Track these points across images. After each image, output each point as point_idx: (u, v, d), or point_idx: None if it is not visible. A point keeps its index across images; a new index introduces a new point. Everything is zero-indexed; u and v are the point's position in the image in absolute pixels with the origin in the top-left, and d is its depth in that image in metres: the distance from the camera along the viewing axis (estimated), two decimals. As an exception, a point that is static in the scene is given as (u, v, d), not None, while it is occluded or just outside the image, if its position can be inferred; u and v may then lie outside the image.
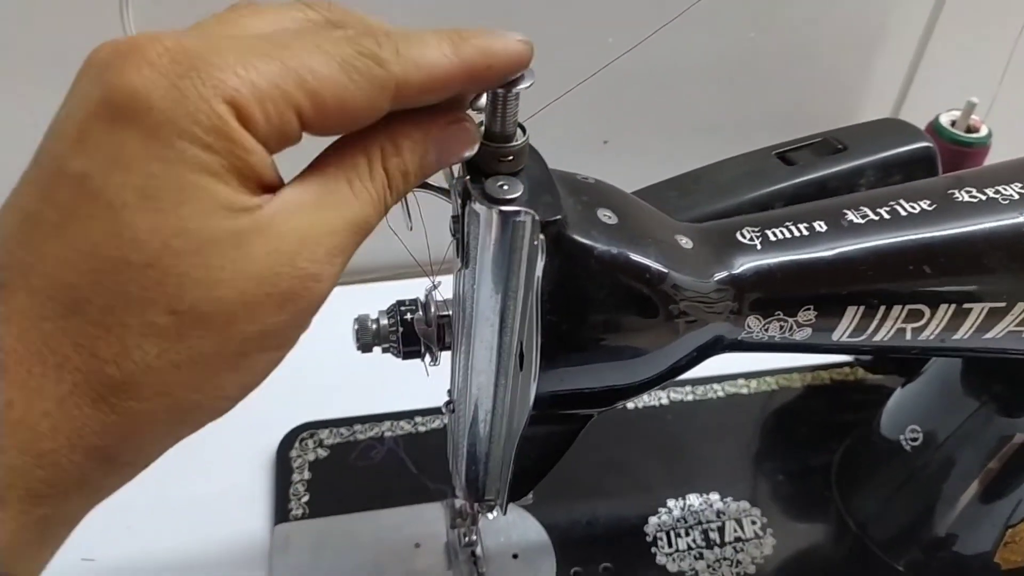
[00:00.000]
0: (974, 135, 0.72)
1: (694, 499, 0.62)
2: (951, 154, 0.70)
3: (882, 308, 0.39)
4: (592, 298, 0.34)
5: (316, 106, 0.24)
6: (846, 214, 0.39)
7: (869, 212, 0.40)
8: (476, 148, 0.30)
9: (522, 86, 0.30)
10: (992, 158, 0.72)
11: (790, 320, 0.38)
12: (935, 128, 0.72)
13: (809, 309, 0.38)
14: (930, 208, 0.40)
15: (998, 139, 0.72)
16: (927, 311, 0.39)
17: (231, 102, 0.22)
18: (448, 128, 0.28)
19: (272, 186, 0.24)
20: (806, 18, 0.79)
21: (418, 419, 0.67)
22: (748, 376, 0.72)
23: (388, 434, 0.65)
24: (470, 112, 0.31)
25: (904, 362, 0.64)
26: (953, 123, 0.73)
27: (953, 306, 0.40)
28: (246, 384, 0.25)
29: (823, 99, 0.85)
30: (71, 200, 0.21)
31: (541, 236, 0.31)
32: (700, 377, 0.71)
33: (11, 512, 0.21)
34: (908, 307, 0.39)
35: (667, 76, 0.79)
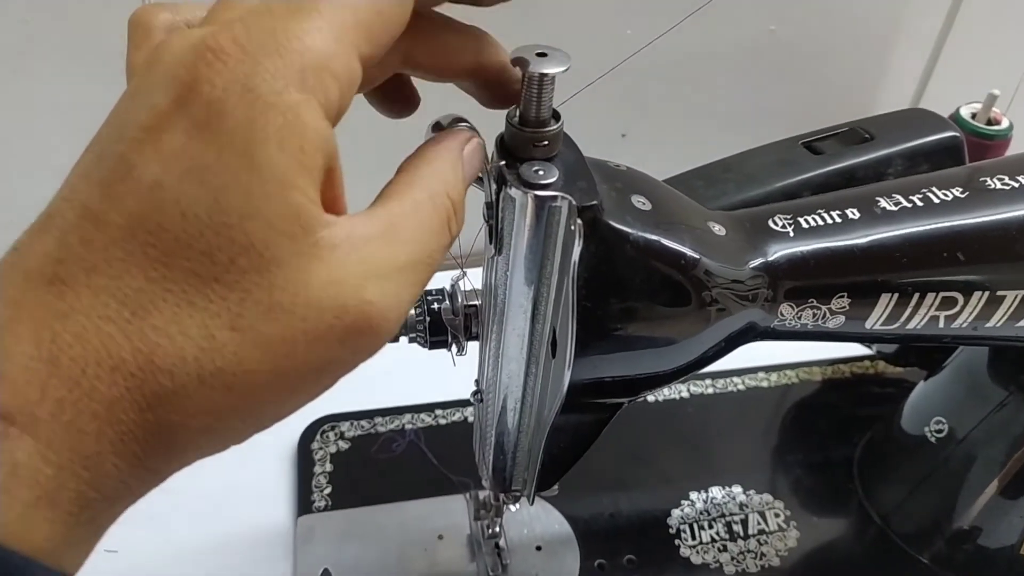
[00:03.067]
0: (995, 127, 0.72)
1: (717, 492, 0.62)
2: (972, 146, 0.70)
3: (916, 296, 0.38)
4: (627, 284, 0.34)
5: (371, 41, 0.23)
6: (879, 201, 0.39)
7: (902, 199, 0.39)
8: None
9: (558, 70, 0.30)
10: (1013, 150, 0.72)
11: (823, 307, 0.38)
12: (956, 120, 0.72)
13: (843, 296, 0.38)
14: (962, 195, 0.40)
15: (1020, 131, 0.71)
16: (960, 299, 0.39)
17: (303, 88, 0.22)
18: (469, 150, 0.29)
19: (337, 200, 0.24)
20: (826, 9, 0.79)
21: (439, 411, 0.66)
22: (768, 369, 0.72)
23: (409, 426, 0.65)
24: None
25: (927, 354, 0.64)
26: (974, 115, 0.73)
27: (987, 293, 0.39)
28: (286, 415, 0.24)
29: (843, 91, 0.85)
30: (141, 208, 0.21)
31: (578, 221, 0.31)
32: (720, 370, 0.71)
33: (61, 514, 0.21)
34: (941, 294, 0.39)
35: (685, 68, 0.79)
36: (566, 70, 0.30)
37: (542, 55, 0.30)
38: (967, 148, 0.52)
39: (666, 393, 0.69)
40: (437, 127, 0.31)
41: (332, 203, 0.23)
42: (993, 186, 0.40)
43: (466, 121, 0.31)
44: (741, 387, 0.70)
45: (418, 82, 0.32)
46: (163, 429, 0.22)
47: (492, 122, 0.32)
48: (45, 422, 0.20)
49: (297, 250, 0.22)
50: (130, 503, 0.23)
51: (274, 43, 0.22)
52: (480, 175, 0.34)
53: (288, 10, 0.22)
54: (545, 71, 0.29)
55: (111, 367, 0.21)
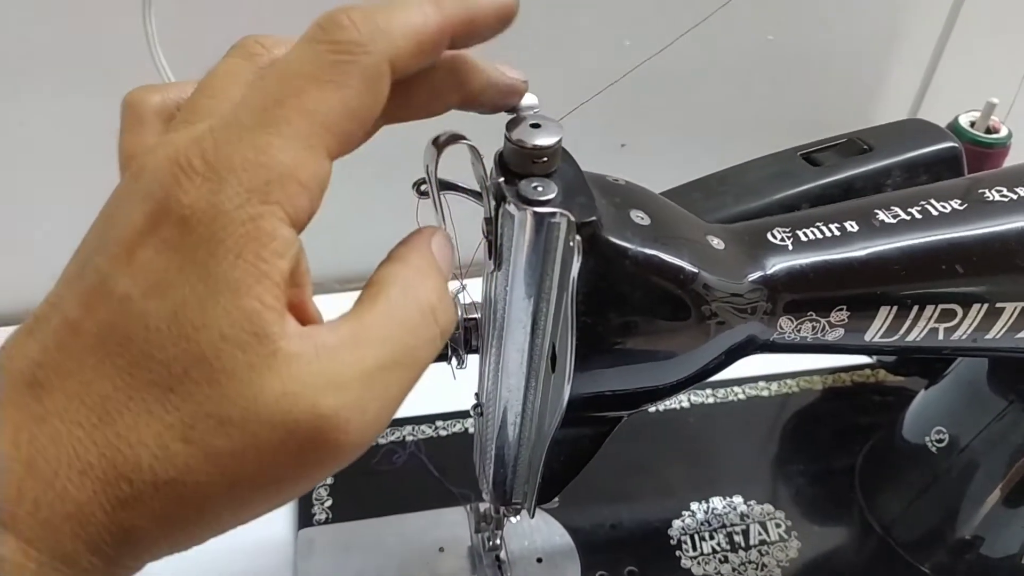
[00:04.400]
0: (994, 136, 0.72)
1: (717, 502, 0.61)
2: (971, 155, 0.70)
3: (915, 308, 0.39)
4: (626, 299, 0.34)
5: (339, 137, 0.24)
6: (877, 214, 0.39)
7: (900, 212, 0.39)
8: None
9: (551, 141, 0.31)
10: (1012, 159, 0.72)
11: (823, 320, 0.38)
12: (955, 129, 0.72)
13: (842, 309, 0.38)
14: (961, 207, 0.40)
15: (1019, 139, 0.71)
16: (960, 311, 0.39)
17: (267, 200, 0.22)
18: (437, 238, 0.29)
19: (302, 305, 0.24)
20: (823, 19, 0.79)
21: (439, 423, 0.66)
22: (768, 379, 0.72)
23: (410, 438, 0.65)
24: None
25: (927, 364, 0.64)
26: (973, 124, 0.73)
27: (986, 305, 0.39)
28: (246, 522, 0.24)
29: (841, 101, 0.85)
30: (111, 319, 0.22)
31: (577, 237, 0.31)
32: (721, 380, 0.71)
33: None
34: (941, 307, 0.39)
35: (684, 79, 0.79)
36: (559, 142, 0.31)
37: (536, 126, 0.31)
38: (966, 156, 0.52)
39: (666, 403, 0.69)
40: (436, 142, 0.31)
41: (299, 308, 0.23)
42: (991, 198, 0.40)
43: (465, 138, 0.31)
44: (741, 396, 0.70)
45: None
46: (128, 531, 0.22)
47: (492, 139, 0.32)
48: (24, 520, 0.21)
49: (248, 361, 0.22)
50: None
51: (240, 158, 0.22)
52: (479, 190, 0.34)
53: (257, 121, 0.23)
54: (538, 143, 0.30)
55: (80, 470, 0.21)
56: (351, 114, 0.24)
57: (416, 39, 0.25)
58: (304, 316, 0.24)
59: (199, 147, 0.22)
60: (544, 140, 0.30)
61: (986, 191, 0.41)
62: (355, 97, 0.24)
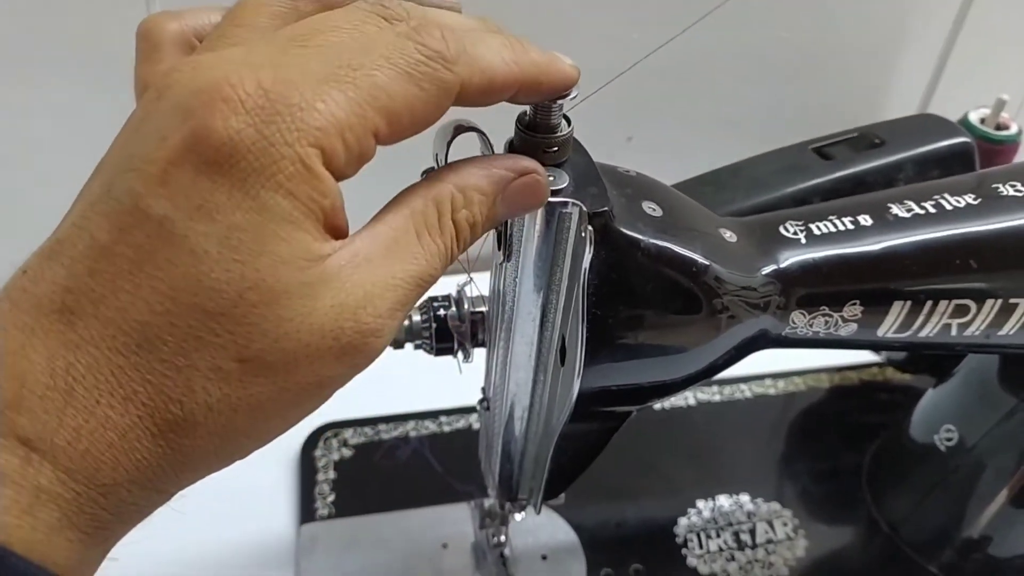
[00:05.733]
0: (1004, 132, 0.71)
1: (724, 500, 0.61)
2: (981, 152, 0.69)
3: (928, 303, 0.38)
4: (638, 291, 0.33)
5: (391, 123, 0.24)
6: (891, 208, 0.39)
7: (914, 206, 0.39)
8: (546, 201, 0.30)
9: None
10: (1022, 155, 0.71)
11: (836, 315, 0.37)
12: (965, 125, 0.71)
13: (855, 304, 0.37)
14: (975, 202, 0.39)
15: (1029, 136, 0.71)
16: (973, 306, 0.39)
17: (315, 144, 0.22)
18: (521, 183, 0.28)
19: (340, 229, 0.24)
20: (833, 14, 0.78)
21: (443, 419, 0.66)
22: (775, 376, 0.71)
23: (413, 434, 0.65)
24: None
25: (936, 362, 0.63)
26: (983, 120, 0.72)
27: (999, 301, 0.39)
28: (289, 427, 0.25)
29: (850, 96, 0.84)
30: (150, 242, 0.21)
31: (589, 228, 0.30)
32: (727, 378, 0.70)
33: (79, 534, 0.22)
34: (954, 302, 0.38)
35: (691, 72, 0.79)
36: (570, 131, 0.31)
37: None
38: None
39: (672, 400, 0.68)
40: (447, 130, 0.30)
41: (335, 231, 0.24)
42: (1006, 193, 0.40)
43: (477, 127, 0.30)
44: (748, 394, 0.70)
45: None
46: (174, 453, 0.22)
47: (502, 127, 0.32)
48: (63, 449, 0.21)
49: (304, 280, 0.23)
50: (139, 521, 0.24)
51: (299, 97, 0.22)
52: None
53: (327, 73, 0.23)
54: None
55: (123, 397, 0.21)
56: (411, 112, 0.24)
57: (489, 78, 0.25)
58: (338, 235, 0.24)
59: (255, 75, 0.22)
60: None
61: (1000, 186, 0.40)
62: (422, 100, 0.24)
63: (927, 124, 0.52)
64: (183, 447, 0.22)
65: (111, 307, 0.21)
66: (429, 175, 0.27)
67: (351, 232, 0.25)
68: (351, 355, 0.24)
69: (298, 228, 0.22)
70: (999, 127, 0.72)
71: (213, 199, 0.21)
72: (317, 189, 0.22)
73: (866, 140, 0.50)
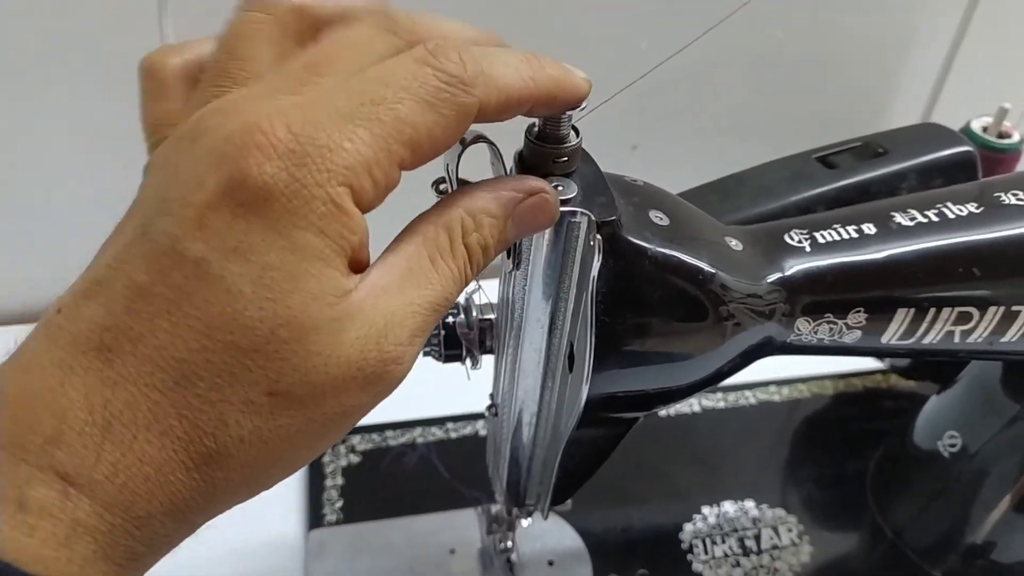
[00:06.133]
0: (1006, 141, 0.72)
1: (729, 506, 0.61)
2: (983, 160, 0.69)
3: (932, 310, 0.38)
4: (645, 299, 0.34)
5: (415, 152, 0.24)
6: (894, 216, 0.39)
7: (917, 214, 0.39)
8: (556, 220, 0.30)
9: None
10: (1024, 164, 0.72)
11: (840, 322, 0.38)
12: (967, 134, 0.72)
13: (859, 311, 0.38)
14: (978, 211, 0.40)
15: (1031, 145, 0.71)
16: (976, 314, 0.39)
17: (345, 183, 0.23)
18: (530, 203, 0.29)
19: (363, 263, 0.25)
20: (837, 23, 0.79)
21: (450, 425, 0.66)
22: (780, 383, 0.72)
23: (420, 440, 0.65)
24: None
25: (939, 368, 0.63)
26: (985, 129, 0.73)
27: (1002, 308, 0.39)
28: (314, 457, 0.26)
29: (853, 104, 0.85)
30: (187, 283, 0.22)
31: (598, 236, 0.31)
32: (732, 384, 0.71)
33: (113, 566, 0.22)
34: (957, 309, 0.39)
35: (696, 80, 0.79)
36: (579, 141, 0.31)
37: None
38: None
39: (677, 407, 0.69)
40: (459, 141, 0.31)
41: (359, 265, 0.25)
42: (1008, 201, 0.40)
43: (487, 138, 0.31)
44: (752, 401, 0.70)
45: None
46: (207, 485, 0.23)
47: (511, 138, 0.32)
48: (101, 484, 0.22)
49: (333, 315, 0.23)
50: (167, 553, 0.25)
51: (327, 139, 0.23)
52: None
53: (352, 111, 0.23)
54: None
55: (160, 432, 0.22)
56: (433, 139, 0.25)
57: (506, 96, 0.26)
58: (363, 266, 0.25)
59: (284, 119, 0.23)
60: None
61: (1002, 195, 0.41)
62: (443, 126, 0.25)
63: (930, 133, 0.53)
64: (216, 479, 0.23)
65: (149, 345, 0.22)
66: (438, 201, 0.28)
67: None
68: (375, 384, 0.25)
69: (328, 265, 0.23)
70: (1001, 136, 0.72)
71: (248, 240, 0.22)
72: (347, 227, 0.23)
73: (869, 149, 0.50)
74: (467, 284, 0.28)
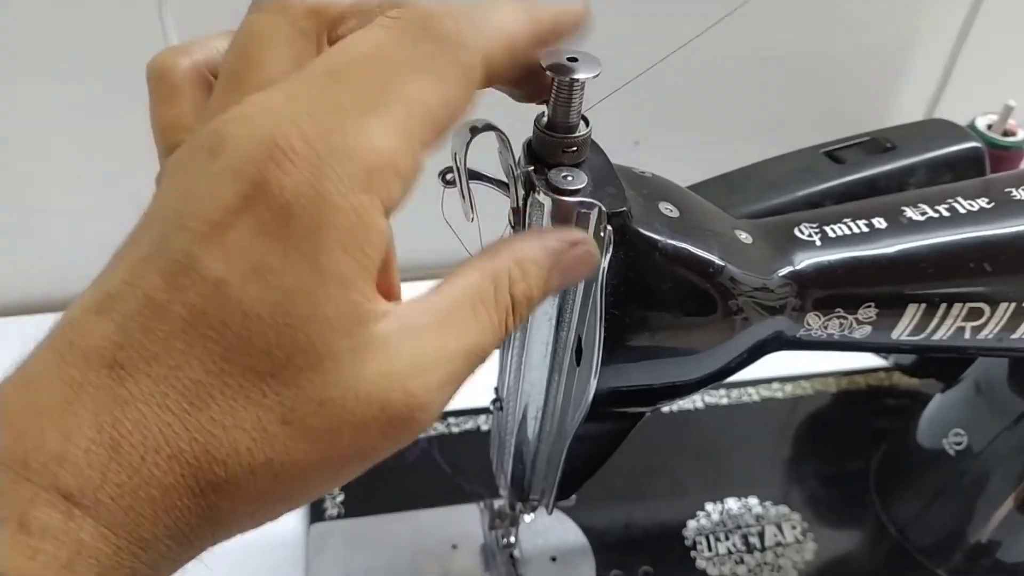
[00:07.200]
0: (1011, 138, 0.71)
1: (732, 503, 0.61)
2: (988, 157, 0.70)
3: (943, 306, 0.38)
4: (655, 291, 0.33)
5: (434, 129, 0.23)
6: (905, 211, 0.39)
7: (928, 209, 0.39)
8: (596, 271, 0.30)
9: (590, 75, 0.29)
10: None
11: (850, 318, 0.37)
12: (971, 131, 0.71)
13: (870, 307, 0.37)
14: (989, 206, 0.40)
15: (1036, 143, 0.71)
16: (987, 310, 0.39)
17: (368, 188, 0.22)
18: (574, 254, 0.28)
19: (392, 290, 0.24)
20: (840, 19, 0.78)
21: (452, 420, 0.66)
22: (783, 380, 0.72)
23: (422, 435, 0.65)
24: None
25: (944, 366, 0.63)
26: (990, 126, 0.72)
27: (1013, 305, 0.39)
28: (321, 495, 0.25)
29: (856, 101, 0.85)
30: (204, 302, 0.21)
31: (608, 228, 0.30)
32: (735, 381, 0.70)
33: None
34: (969, 306, 0.38)
35: (699, 76, 0.79)
36: (597, 75, 0.30)
37: (572, 59, 0.29)
38: (984, 159, 0.52)
39: (681, 403, 0.68)
40: (468, 130, 0.30)
41: (387, 291, 0.24)
42: (1020, 196, 0.40)
43: (497, 127, 0.30)
44: (756, 398, 0.70)
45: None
46: (213, 514, 0.22)
47: (521, 127, 0.32)
48: (106, 505, 0.21)
49: (352, 346, 0.22)
50: (173, 573, 0.24)
51: (343, 143, 0.22)
52: (504, 180, 0.33)
53: (359, 106, 0.22)
54: (577, 76, 0.29)
55: (169, 455, 0.21)
56: (448, 107, 0.24)
57: (507, 40, 0.25)
58: (390, 295, 0.24)
59: (298, 128, 0.22)
60: (582, 74, 0.29)
61: (1013, 190, 0.41)
62: (452, 91, 0.24)
63: (938, 129, 0.52)
64: (221, 508, 0.22)
65: (164, 365, 0.21)
66: (484, 249, 0.27)
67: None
68: (397, 428, 0.24)
69: (351, 288, 0.22)
70: (1006, 133, 0.72)
71: (267, 261, 0.21)
72: (370, 242, 0.22)
73: (877, 144, 0.50)
74: (507, 335, 0.27)
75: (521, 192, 0.32)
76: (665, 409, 0.67)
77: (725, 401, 0.69)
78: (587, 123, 0.31)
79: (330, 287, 0.22)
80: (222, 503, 0.22)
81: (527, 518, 0.53)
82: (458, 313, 0.25)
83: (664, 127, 0.82)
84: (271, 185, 0.21)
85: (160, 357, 0.21)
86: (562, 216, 0.31)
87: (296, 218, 0.21)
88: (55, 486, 0.20)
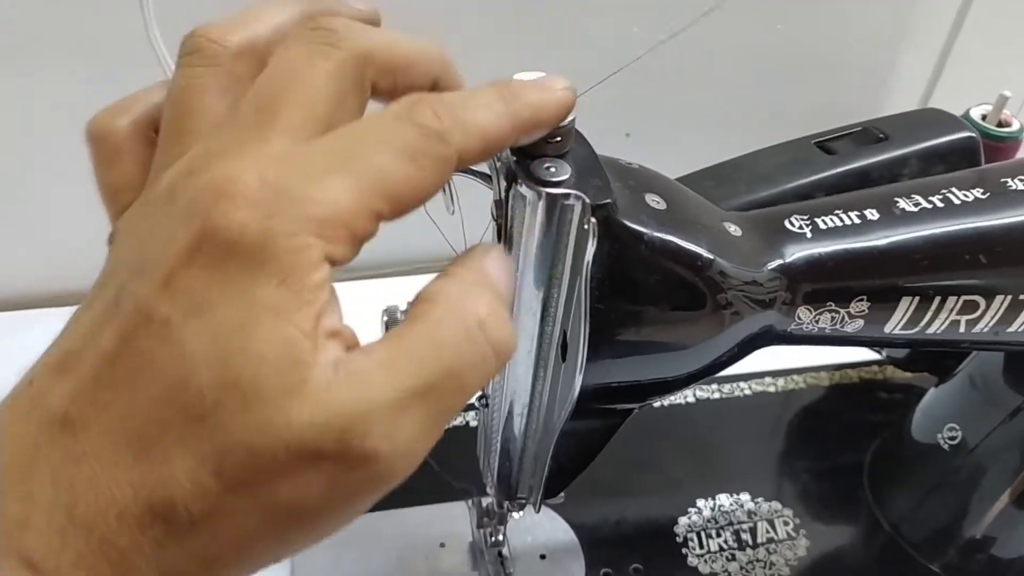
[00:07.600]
0: (1006, 129, 0.71)
1: (724, 499, 0.60)
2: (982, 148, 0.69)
3: (937, 299, 0.37)
4: (642, 285, 0.33)
5: (393, 205, 0.23)
6: (897, 202, 0.38)
7: (921, 200, 0.38)
8: None
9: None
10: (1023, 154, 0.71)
11: (842, 311, 0.37)
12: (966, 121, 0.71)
13: (862, 300, 0.37)
14: (983, 196, 0.39)
15: (1031, 133, 0.70)
16: (982, 302, 0.38)
17: (317, 234, 0.21)
18: (493, 253, 0.27)
19: (336, 329, 0.22)
20: (834, 10, 0.78)
21: (440, 416, 0.65)
22: (775, 374, 0.71)
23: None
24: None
25: (937, 361, 0.62)
26: (984, 117, 0.72)
27: (1009, 297, 0.38)
28: (275, 562, 0.23)
29: (849, 92, 0.84)
30: (150, 345, 0.21)
31: (592, 220, 0.30)
32: (727, 376, 0.70)
33: None
34: (963, 298, 0.38)
35: (691, 68, 0.78)
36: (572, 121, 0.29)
37: None
38: (978, 150, 0.51)
39: (671, 398, 0.68)
40: None
41: (332, 331, 0.22)
42: (1015, 187, 0.39)
43: None
44: (748, 392, 0.69)
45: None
46: (169, 572, 0.21)
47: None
48: (67, 572, 0.20)
49: (283, 386, 0.20)
50: None
51: (301, 190, 0.21)
52: (488, 172, 0.33)
53: (329, 163, 0.22)
54: None
55: (117, 514, 0.20)
56: (413, 191, 0.23)
57: (484, 138, 0.25)
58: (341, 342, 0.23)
59: (258, 170, 0.21)
60: None
61: (1009, 180, 0.40)
62: (422, 178, 0.23)
63: (931, 118, 0.51)
64: (175, 567, 0.21)
65: (113, 415, 0.21)
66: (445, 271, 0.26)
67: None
68: (341, 483, 0.21)
69: (286, 321, 0.21)
70: (1001, 124, 0.71)
71: (208, 297, 0.21)
72: (312, 278, 0.21)
73: (869, 135, 0.49)
74: (499, 360, 0.24)
75: (503, 184, 0.31)
76: (656, 404, 0.67)
77: (716, 396, 0.69)
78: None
79: (264, 319, 0.21)
80: (173, 563, 0.21)
81: (516, 516, 0.53)
82: (413, 341, 0.23)
83: (656, 120, 0.81)
84: (220, 221, 0.21)
85: (110, 407, 0.21)
86: (546, 208, 0.30)
87: (239, 253, 0.21)
88: (18, 552, 0.20)
